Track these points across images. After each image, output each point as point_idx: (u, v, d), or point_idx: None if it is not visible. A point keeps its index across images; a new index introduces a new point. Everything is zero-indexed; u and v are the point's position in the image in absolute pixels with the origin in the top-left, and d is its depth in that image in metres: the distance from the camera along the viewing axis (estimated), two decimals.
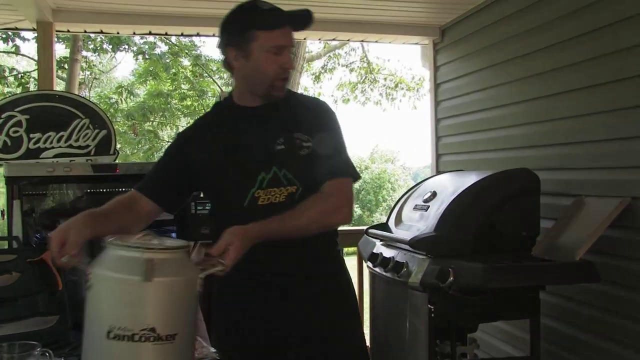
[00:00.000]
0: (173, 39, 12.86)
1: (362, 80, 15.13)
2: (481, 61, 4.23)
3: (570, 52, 3.27)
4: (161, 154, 2.17)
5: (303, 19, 1.98)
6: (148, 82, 14.59)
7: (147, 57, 12.92)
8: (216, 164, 2.01)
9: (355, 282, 4.43)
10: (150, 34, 5.08)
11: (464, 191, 3.00)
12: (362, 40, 5.30)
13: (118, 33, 5.50)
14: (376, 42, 5.29)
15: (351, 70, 15.08)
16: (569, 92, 3.29)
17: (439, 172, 4.81)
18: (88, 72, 14.24)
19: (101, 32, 4.94)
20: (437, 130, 4.93)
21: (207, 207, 4.03)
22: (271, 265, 1.98)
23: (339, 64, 14.92)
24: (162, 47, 13.28)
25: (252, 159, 1.98)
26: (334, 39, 5.16)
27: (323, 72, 14.85)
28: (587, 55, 3.13)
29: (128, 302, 1.43)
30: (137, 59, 13.07)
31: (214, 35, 5.24)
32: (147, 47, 12.60)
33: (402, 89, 15.17)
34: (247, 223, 1.71)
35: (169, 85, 14.70)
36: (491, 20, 4.08)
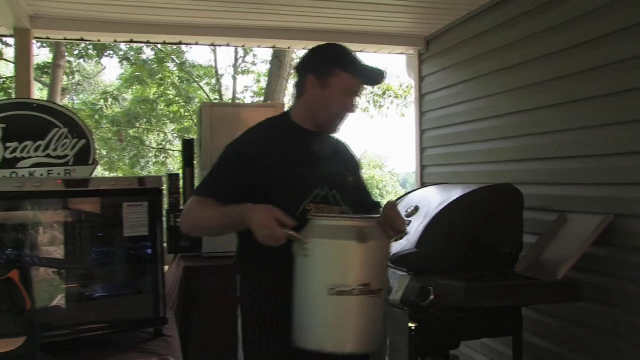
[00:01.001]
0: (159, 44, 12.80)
1: None
2: (466, 72, 4.19)
3: (557, 65, 3.23)
4: (222, 164, 2.26)
5: (376, 78, 2.30)
6: (134, 88, 14.45)
7: (132, 62, 12.80)
8: (279, 174, 2.17)
9: None
10: (132, 42, 5.01)
11: (446, 207, 2.95)
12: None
13: (99, 40, 5.41)
14: (361, 51, 5.23)
15: None
16: (555, 106, 3.25)
17: (423, 184, 4.77)
18: (74, 78, 14.10)
19: (82, 39, 4.86)
20: (422, 141, 4.88)
21: None
22: None
23: None
24: (148, 53, 13.21)
25: (311, 175, 2.20)
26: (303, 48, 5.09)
27: None
28: (575, 69, 3.10)
29: (347, 263, 1.81)
30: (122, 65, 12.96)
31: (197, 44, 5.19)
32: (132, 52, 12.49)
33: (390, 96, 15.12)
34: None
35: (156, 91, 14.59)
36: (476, 32, 4.04)
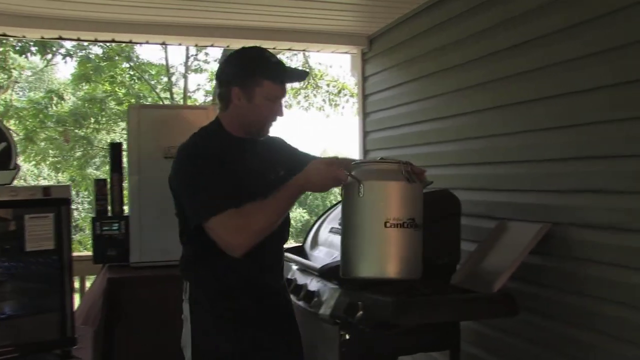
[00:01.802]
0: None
1: (304, 87, 14.93)
2: (409, 72, 4.05)
3: (497, 66, 3.09)
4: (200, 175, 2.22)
5: (300, 78, 2.50)
6: (82, 86, 14.03)
7: (75, 60, 12.41)
8: (234, 186, 2.18)
9: None
10: (78, 40, 4.75)
11: None
12: (289, 49, 5.08)
13: (42, 37, 5.10)
14: (304, 50, 5.09)
15: None
16: (496, 109, 3.11)
17: None
18: (11, 75, 13.61)
19: (23, 36, 4.60)
20: (366, 143, 4.74)
21: (113, 228, 3.76)
22: (275, 273, 2.54)
23: None
24: (96, 51, 12.82)
25: (262, 184, 2.22)
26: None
27: None
28: (515, 70, 2.95)
29: (399, 200, 2.08)
30: (65, 62, 12.57)
31: (147, 42, 4.97)
32: (79, 50, 12.09)
33: (346, 95, 15.03)
34: (256, 251, 2.16)
35: (107, 89, 14.20)
36: (418, 31, 3.90)
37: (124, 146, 4.37)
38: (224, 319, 2.30)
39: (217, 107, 2.48)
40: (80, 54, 12.35)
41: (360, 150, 4.80)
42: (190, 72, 13.95)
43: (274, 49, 5.04)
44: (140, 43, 4.94)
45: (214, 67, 13.90)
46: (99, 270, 3.91)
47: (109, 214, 3.86)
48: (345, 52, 5.07)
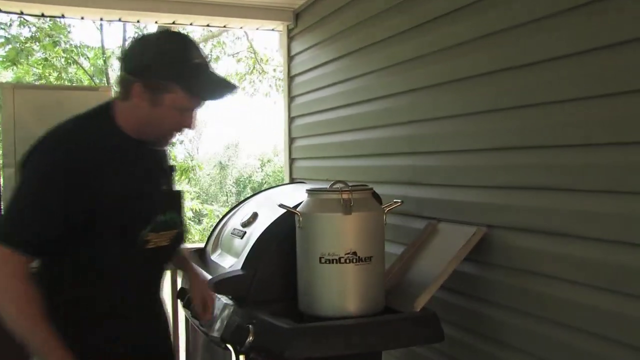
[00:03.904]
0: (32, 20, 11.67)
1: (250, 72, 14.34)
2: (335, 49, 3.56)
3: (430, 37, 2.61)
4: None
5: (223, 94, 1.83)
6: (11, 69, 13.18)
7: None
8: (120, 198, 1.75)
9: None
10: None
11: (281, 216, 2.31)
12: (208, 25, 4.54)
13: None
14: (224, 26, 4.55)
15: (238, 61, 14.26)
16: (430, 88, 2.62)
17: (292, 181, 4.14)
18: None
19: None
20: (291, 130, 4.24)
21: None
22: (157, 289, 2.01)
23: (224, 53, 14.06)
24: (21, 31, 12.01)
25: (152, 197, 1.86)
26: (173, 22, 4.36)
27: (208, 61, 13.90)
28: (455, 40, 2.45)
29: (334, 233, 2.03)
30: None
31: (82, 18, 4.36)
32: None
33: None
34: (133, 268, 1.80)
35: (41, 73, 13.37)
36: (346, 0, 3.40)
37: None
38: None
39: (115, 90, 2.03)
40: None
41: (284, 137, 4.30)
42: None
43: (190, 24, 4.51)
44: (74, 17, 4.34)
45: None
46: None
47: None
48: (271, 29, 4.57)
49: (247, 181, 28.41)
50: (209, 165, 28.19)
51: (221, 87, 1.83)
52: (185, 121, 1.82)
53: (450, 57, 2.48)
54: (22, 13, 4.26)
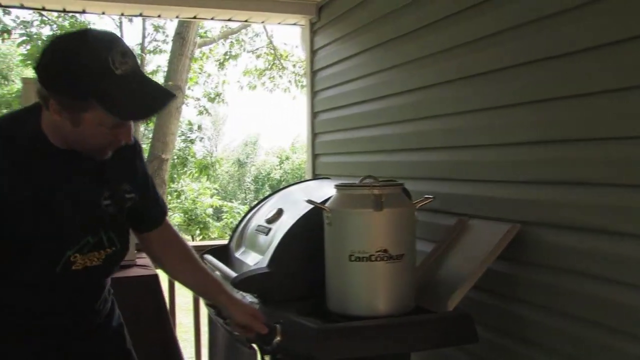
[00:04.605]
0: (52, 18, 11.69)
1: (269, 67, 14.30)
2: (360, 42, 3.49)
3: (462, 27, 2.52)
4: None
5: (153, 107, 1.57)
6: (31, 67, 13.23)
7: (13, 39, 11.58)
8: (34, 217, 1.56)
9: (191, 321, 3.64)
10: (22, 7, 4.04)
11: (307, 213, 2.25)
12: (230, 19, 4.49)
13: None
14: (246, 21, 4.50)
15: (257, 57, 14.22)
16: (460, 81, 2.53)
17: (315, 177, 4.08)
18: None
19: None
20: (314, 125, 4.18)
21: None
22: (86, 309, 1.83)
23: (244, 49, 14.03)
24: (44, 31, 12.04)
25: (75, 217, 1.63)
26: (194, 17, 4.32)
27: (227, 58, 13.91)
28: (488, 30, 2.35)
29: (364, 230, 1.96)
30: (3, 40, 11.74)
31: (103, 14, 4.34)
32: (20, 27, 11.29)
33: None
34: (54, 290, 1.65)
35: None
36: None
37: None
38: None
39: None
40: (20, 31, 11.55)
41: (308, 133, 4.24)
42: (147, 52, 13.23)
43: (212, 18, 4.46)
44: (95, 13, 4.31)
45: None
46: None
47: None
48: (293, 24, 4.50)
49: (265, 178, 28.44)
50: (227, 163, 28.24)
51: (150, 101, 1.54)
52: (117, 137, 1.57)
53: (483, 48, 2.39)
54: (43, 8, 4.22)
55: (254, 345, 2.10)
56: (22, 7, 3.93)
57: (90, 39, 1.49)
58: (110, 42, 1.48)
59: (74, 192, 1.63)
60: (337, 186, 2.12)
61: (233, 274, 2.28)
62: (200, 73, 14.14)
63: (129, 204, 1.77)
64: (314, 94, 4.18)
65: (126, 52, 1.48)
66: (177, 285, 3.35)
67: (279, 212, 2.52)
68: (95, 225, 1.68)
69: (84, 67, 1.44)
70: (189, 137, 15.97)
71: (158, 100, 1.55)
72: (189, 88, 12.86)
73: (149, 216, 1.92)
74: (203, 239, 12.79)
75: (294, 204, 2.51)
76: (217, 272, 2.59)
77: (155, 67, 14.25)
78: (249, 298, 2.27)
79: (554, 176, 2.05)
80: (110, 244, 1.72)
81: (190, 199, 13.14)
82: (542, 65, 2.09)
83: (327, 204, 2.08)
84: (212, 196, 13.71)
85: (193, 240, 12.52)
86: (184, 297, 3.80)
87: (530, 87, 2.15)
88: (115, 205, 1.72)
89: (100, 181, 1.69)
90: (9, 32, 11.01)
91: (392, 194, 2.03)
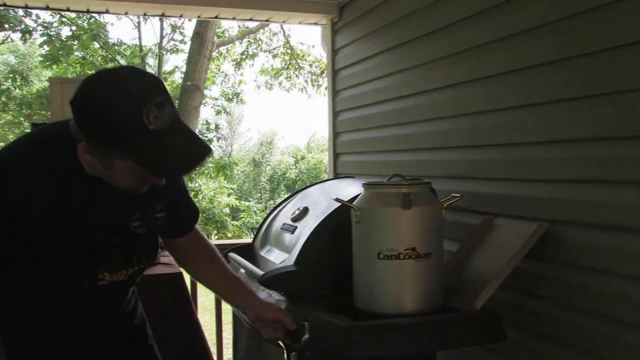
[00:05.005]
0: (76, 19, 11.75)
1: (286, 67, 14.33)
2: (382, 42, 3.49)
3: (487, 25, 2.52)
4: None
5: (195, 160, 1.51)
6: (52, 68, 13.32)
7: (34, 38, 11.66)
8: (56, 238, 1.59)
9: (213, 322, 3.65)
10: (47, 8, 4.08)
11: (334, 211, 2.25)
12: (251, 19, 4.51)
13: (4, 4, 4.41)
14: (267, 20, 4.52)
15: (274, 56, 14.25)
16: (486, 79, 2.52)
17: (336, 176, 4.09)
18: None
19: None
20: (335, 125, 4.18)
21: None
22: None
23: (260, 49, 14.06)
24: (63, 32, 12.11)
25: (105, 239, 1.67)
26: (216, 17, 4.34)
27: (244, 57, 13.95)
28: (520, 26, 2.32)
29: (393, 228, 1.97)
30: (24, 41, 11.84)
31: (126, 14, 4.39)
32: (40, 27, 11.37)
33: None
34: (78, 299, 1.68)
35: (77, 71, 13.51)
36: None
37: None
38: None
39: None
40: (40, 32, 11.63)
41: (329, 132, 4.25)
42: (165, 52, 13.30)
43: (233, 18, 4.48)
44: (118, 14, 4.35)
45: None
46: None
47: None
48: (314, 23, 4.51)
49: (280, 178, 28.46)
50: (243, 162, 28.31)
51: (183, 159, 1.49)
52: (149, 181, 1.57)
53: (510, 46, 2.39)
54: (68, 9, 4.26)
55: (281, 343, 2.11)
56: (47, 8, 3.97)
57: (129, 87, 1.44)
58: (149, 92, 1.43)
59: (104, 215, 1.65)
60: (365, 184, 2.13)
61: (259, 272, 2.29)
62: (217, 73, 14.19)
63: (160, 222, 1.80)
64: (335, 93, 4.18)
65: (163, 104, 1.43)
66: (199, 286, 3.37)
67: (305, 211, 2.53)
68: (125, 246, 1.72)
69: (118, 121, 1.40)
70: (206, 136, 16.05)
71: (191, 157, 1.51)
72: (206, 88, 12.92)
73: (178, 227, 1.96)
74: (219, 238, 12.84)
75: (320, 202, 2.52)
76: (242, 271, 2.61)
77: (172, 67, 14.30)
78: (275, 296, 2.28)
79: (582, 174, 2.04)
80: (138, 262, 1.78)
81: (207, 198, 13.19)
82: (571, 63, 2.08)
83: (355, 202, 2.08)
84: (229, 195, 13.75)
85: (210, 239, 12.54)
86: (205, 296, 3.83)
87: (558, 85, 2.15)
88: (145, 226, 1.75)
89: (130, 203, 1.69)
90: (30, 33, 11.10)
91: (420, 192, 2.03)
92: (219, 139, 16.29)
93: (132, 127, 1.40)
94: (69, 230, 1.61)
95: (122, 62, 13.71)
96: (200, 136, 1.58)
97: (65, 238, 1.61)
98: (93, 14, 10.31)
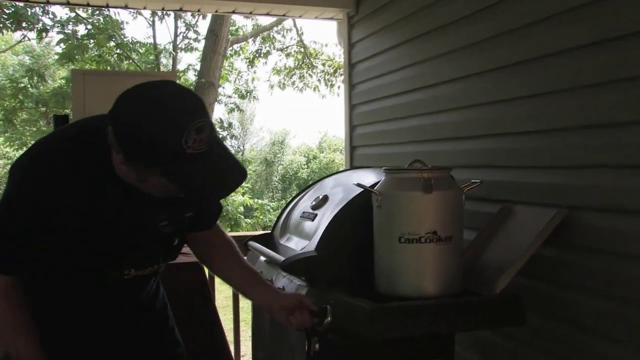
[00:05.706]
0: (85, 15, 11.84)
1: (299, 66, 14.36)
2: (398, 34, 3.51)
3: (511, 14, 2.53)
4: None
5: (222, 191, 1.61)
6: (67, 66, 13.41)
7: (50, 37, 11.77)
8: (86, 238, 1.65)
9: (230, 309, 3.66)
10: (68, 4, 4.12)
11: (355, 197, 2.28)
12: (268, 13, 4.55)
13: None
14: (284, 15, 4.55)
15: (287, 55, 14.29)
16: (504, 69, 2.55)
17: (352, 168, 4.11)
18: None
19: None
20: (352, 118, 4.21)
21: None
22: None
23: (274, 47, 14.11)
24: (79, 29, 12.21)
25: (134, 240, 1.73)
26: (233, 11, 4.38)
27: (257, 56, 14.00)
28: (537, 15, 2.35)
29: (414, 212, 2.00)
30: (40, 39, 11.93)
31: (145, 8, 4.41)
32: (57, 25, 11.46)
33: (342, 74, 14.44)
34: (102, 294, 1.78)
35: (93, 69, 13.59)
36: None
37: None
38: None
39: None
40: (57, 30, 11.72)
41: (346, 125, 4.27)
42: (179, 50, 13.37)
43: (250, 12, 4.52)
44: (137, 9, 4.40)
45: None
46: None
47: None
48: (330, 18, 4.54)
49: (292, 178, 28.52)
50: (255, 162, 28.36)
51: (217, 184, 1.51)
52: (179, 195, 1.57)
53: (525, 36, 2.41)
54: (88, 4, 4.31)
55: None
56: (68, 3, 4.02)
57: (172, 111, 1.43)
58: (191, 117, 1.42)
59: (133, 215, 1.69)
60: (386, 170, 2.16)
61: (280, 258, 2.32)
62: (230, 71, 14.25)
63: (186, 221, 1.83)
64: (351, 86, 4.21)
65: (202, 128, 1.42)
66: (217, 281, 3.41)
67: (325, 199, 2.55)
68: (153, 246, 1.79)
69: (158, 147, 1.42)
70: (220, 134, 16.09)
71: (226, 181, 1.53)
72: (220, 85, 12.98)
73: (202, 223, 1.98)
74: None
75: (339, 190, 2.55)
76: (263, 258, 2.65)
77: (186, 65, 14.37)
78: (296, 282, 2.31)
79: (600, 160, 2.06)
80: (164, 260, 1.87)
81: None
82: (588, 51, 2.10)
83: (376, 188, 2.11)
84: (243, 194, 13.81)
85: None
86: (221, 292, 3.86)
87: (575, 72, 2.17)
88: (172, 226, 1.78)
89: (160, 206, 1.71)
90: (46, 31, 11.20)
91: (440, 177, 2.07)
92: (231, 137, 16.29)
93: (170, 152, 1.42)
94: (100, 231, 1.66)
95: (137, 60, 13.79)
96: (237, 159, 1.60)
97: (96, 238, 1.67)
98: (112, 9, 10.37)
